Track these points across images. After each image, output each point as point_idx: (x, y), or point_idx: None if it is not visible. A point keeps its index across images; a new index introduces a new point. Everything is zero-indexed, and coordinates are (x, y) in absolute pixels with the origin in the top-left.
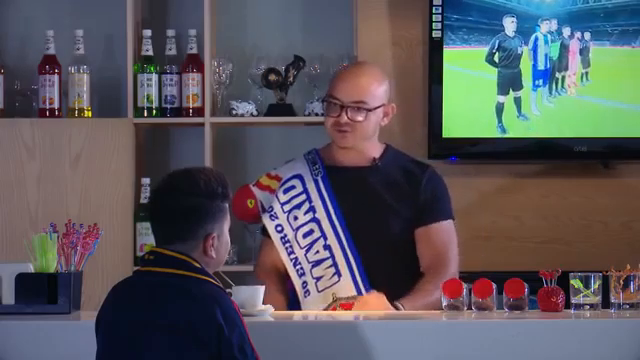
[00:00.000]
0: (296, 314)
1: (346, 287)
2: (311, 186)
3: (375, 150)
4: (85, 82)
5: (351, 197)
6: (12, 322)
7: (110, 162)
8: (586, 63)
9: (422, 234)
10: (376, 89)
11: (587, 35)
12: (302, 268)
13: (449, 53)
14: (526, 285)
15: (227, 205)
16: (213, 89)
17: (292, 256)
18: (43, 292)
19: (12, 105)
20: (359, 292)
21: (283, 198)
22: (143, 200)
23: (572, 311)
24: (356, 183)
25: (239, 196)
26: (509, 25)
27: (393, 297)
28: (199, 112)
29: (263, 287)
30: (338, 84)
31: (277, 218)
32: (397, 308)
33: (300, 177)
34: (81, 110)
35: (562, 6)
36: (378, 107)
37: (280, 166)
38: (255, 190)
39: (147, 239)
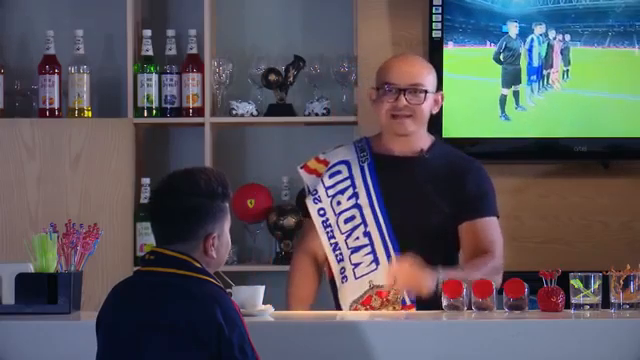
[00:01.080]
0: (296, 314)
1: (383, 275)
2: (357, 172)
3: (424, 141)
4: (85, 82)
5: (395, 187)
6: (12, 322)
7: (110, 162)
8: (567, 62)
9: (467, 229)
10: (428, 74)
11: (567, 36)
12: (341, 254)
13: (449, 53)
14: (526, 285)
15: (227, 205)
16: (213, 89)
17: (332, 241)
18: (43, 292)
19: (12, 105)
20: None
21: (328, 182)
22: (143, 200)
23: (572, 311)
24: (402, 173)
25: (240, 196)
26: (512, 29)
27: None
28: (199, 112)
29: (263, 287)
30: (392, 71)
31: (320, 201)
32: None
33: (347, 163)
34: (81, 110)
35: (533, 5)
36: (431, 93)
37: (329, 150)
38: (302, 173)
39: (147, 239)
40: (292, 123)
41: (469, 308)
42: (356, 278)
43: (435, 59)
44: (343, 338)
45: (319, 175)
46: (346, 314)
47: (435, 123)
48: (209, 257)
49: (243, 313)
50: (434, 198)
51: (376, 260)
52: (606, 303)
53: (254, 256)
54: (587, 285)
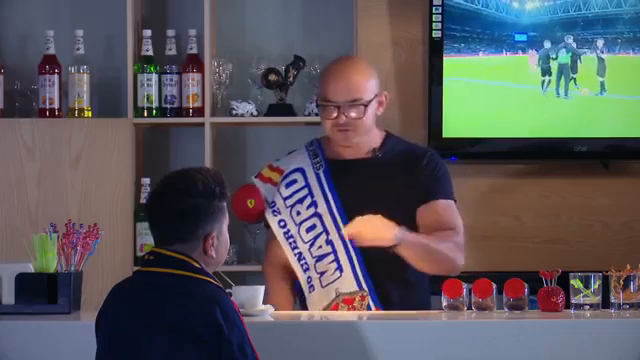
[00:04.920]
0: (296, 314)
1: (348, 282)
2: (313, 180)
3: (375, 140)
4: (85, 82)
5: (352, 191)
6: (12, 322)
7: (110, 162)
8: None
9: (424, 211)
10: (367, 82)
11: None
12: (306, 263)
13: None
14: (526, 285)
15: (225, 204)
16: (213, 89)
17: (296, 251)
18: (43, 292)
19: (12, 105)
20: (360, 287)
21: (285, 192)
22: (143, 200)
23: (572, 311)
24: (357, 176)
25: (239, 196)
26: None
27: (395, 291)
28: (199, 112)
29: (263, 287)
30: (330, 86)
31: (279, 213)
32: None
33: (302, 170)
34: (81, 110)
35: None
36: (373, 99)
37: (282, 157)
38: (257, 182)
39: (147, 239)
40: (292, 123)
41: (469, 308)
42: (323, 287)
43: (435, 59)
44: (343, 338)
45: (275, 184)
46: (346, 314)
47: (435, 123)
48: (208, 257)
49: (243, 313)
50: (392, 196)
51: (340, 268)
52: (606, 303)
53: (254, 256)
54: (587, 285)
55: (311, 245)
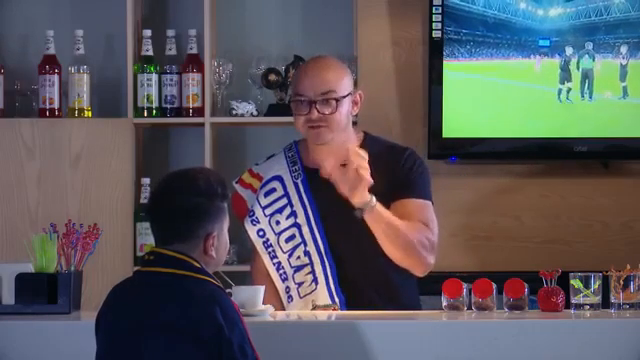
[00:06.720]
0: (296, 314)
1: (322, 295)
2: (292, 190)
3: (352, 143)
4: (85, 82)
5: (330, 201)
6: (12, 322)
7: (110, 162)
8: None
9: (398, 207)
10: (341, 79)
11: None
12: (285, 273)
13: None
14: (526, 285)
15: (226, 205)
16: (213, 89)
17: (275, 260)
18: (43, 292)
19: (12, 105)
20: (332, 300)
21: (264, 201)
22: (143, 200)
23: (572, 311)
24: (335, 185)
25: (239, 197)
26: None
27: (379, 299)
28: (199, 112)
29: (263, 287)
30: (302, 81)
31: (259, 222)
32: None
33: (280, 179)
34: (81, 110)
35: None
36: (346, 96)
37: (262, 161)
38: (238, 188)
39: (147, 239)
40: (292, 123)
41: (469, 308)
42: (301, 297)
43: (435, 59)
44: (343, 338)
45: (254, 191)
46: (345, 314)
47: (435, 123)
48: (209, 257)
49: (243, 313)
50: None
51: (315, 280)
52: (606, 303)
53: (254, 256)
54: (587, 285)
55: (290, 255)
